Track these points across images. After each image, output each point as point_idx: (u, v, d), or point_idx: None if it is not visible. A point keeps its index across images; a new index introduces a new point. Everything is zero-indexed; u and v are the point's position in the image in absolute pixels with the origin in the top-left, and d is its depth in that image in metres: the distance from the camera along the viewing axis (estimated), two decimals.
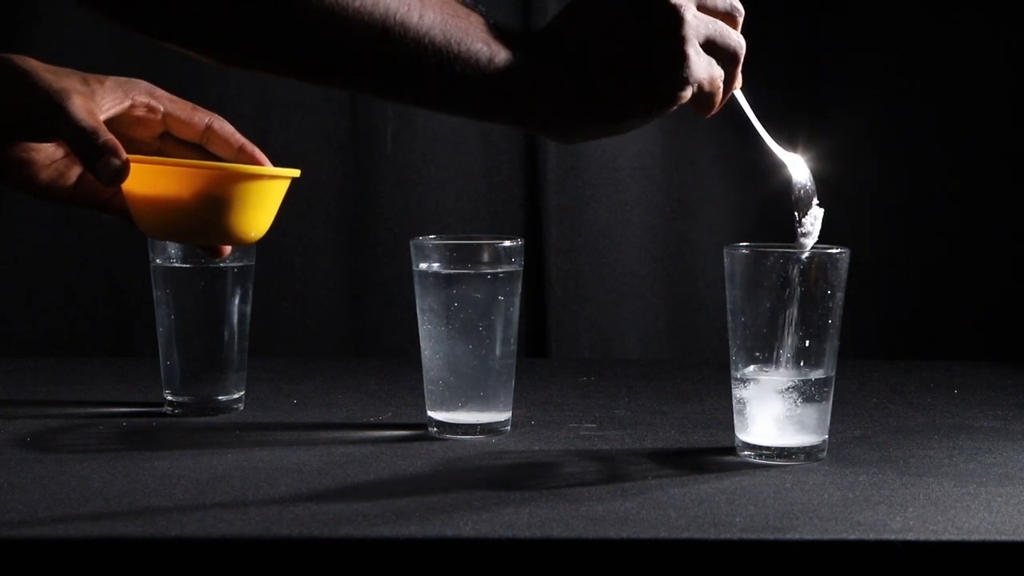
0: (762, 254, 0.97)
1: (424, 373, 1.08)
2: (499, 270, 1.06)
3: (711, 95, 0.88)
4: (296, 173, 0.97)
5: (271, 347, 1.53)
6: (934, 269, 1.62)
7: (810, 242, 0.97)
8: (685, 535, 0.80)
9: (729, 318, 1.00)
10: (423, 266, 1.07)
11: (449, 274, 1.06)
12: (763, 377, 0.98)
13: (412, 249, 1.08)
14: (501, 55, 0.86)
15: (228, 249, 1.01)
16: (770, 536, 0.80)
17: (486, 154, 1.60)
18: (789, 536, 0.80)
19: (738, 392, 0.99)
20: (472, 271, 1.06)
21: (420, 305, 1.07)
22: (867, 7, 1.61)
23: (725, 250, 0.99)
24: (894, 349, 1.60)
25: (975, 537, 0.80)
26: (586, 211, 1.61)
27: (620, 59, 0.86)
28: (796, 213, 0.97)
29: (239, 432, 1.09)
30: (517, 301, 1.07)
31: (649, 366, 1.48)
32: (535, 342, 1.60)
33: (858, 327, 1.42)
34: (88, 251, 1.58)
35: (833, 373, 0.98)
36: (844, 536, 0.80)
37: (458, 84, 0.86)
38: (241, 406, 1.16)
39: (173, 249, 1.13)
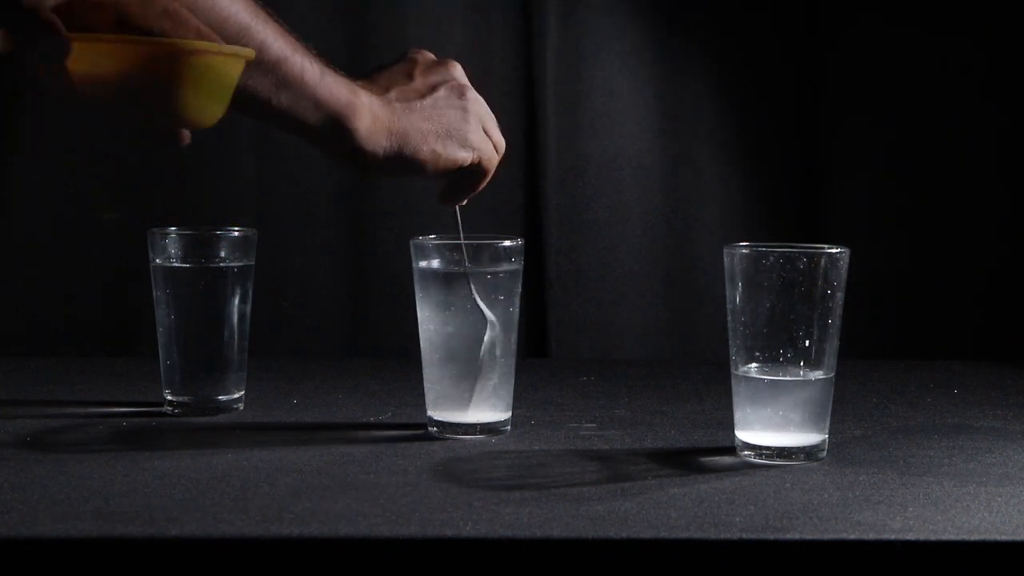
0: (762, 254, 0.97)
1: (424, 373, 1.08)
2: (499, 270, 1.06)
3: (484, 168, 1.05)
4: (251, 54, 0.95)
5: (271, 347, 1.53)
6: (934, 269, 1.62)
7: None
8: (685, 535, 0.80)
9: (729, 318, 1.00)
10: (423, 265, 1.07)
11: (449, 274, 1.06)
12: (763, 377, 0.98)
13: (412, 249, 1.08)
14: (327, 76, 1.00)
15: (187, 135, 0.98)
16: (770, 536, 0.80)
17: None
18: (789, 536, 0.80)
19: (738, 392, 0.99)
20: (472, 271, 1.06)
21: (420, 305, 1.07)
22: (867, 8, 1.61)
23: (725, 250, 0.99)
24: (894, 349, 1.60)
25: (975, 537, 0.80)
26: (586, 211, 1.61)
27: (424, 113, 1.03)
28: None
29: (239, 432, 1.09)
30: (517, 301, 1.07)
31: (649, 366, 1.48)
32: (535, 342, 1.60)
33: (858, 327, 1.42)
34: (88, 251, 1.57)
35: (833, 373, 0.98)
36: (844, 536, 0.80)
37: (283, 88, 0.98)
38: (241, 406, 1.16)
39: (173, 249, 1.13)
